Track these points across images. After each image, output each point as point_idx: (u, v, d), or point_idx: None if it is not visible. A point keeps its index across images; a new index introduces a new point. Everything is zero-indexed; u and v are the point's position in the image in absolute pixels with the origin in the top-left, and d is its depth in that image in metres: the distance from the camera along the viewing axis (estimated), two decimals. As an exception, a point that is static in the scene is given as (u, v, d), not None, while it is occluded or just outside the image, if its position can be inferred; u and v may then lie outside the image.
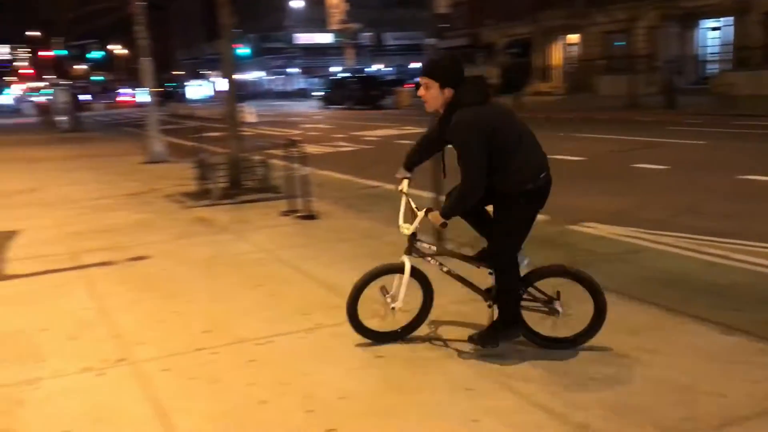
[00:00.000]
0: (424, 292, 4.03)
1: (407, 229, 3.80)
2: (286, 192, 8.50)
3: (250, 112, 17.65)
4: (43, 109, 39.71)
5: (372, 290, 3.92)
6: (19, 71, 77.01)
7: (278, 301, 4.97)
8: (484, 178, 3.50)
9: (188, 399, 3.44)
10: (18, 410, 3.37)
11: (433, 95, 3.64)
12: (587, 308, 3.79)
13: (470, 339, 3.91)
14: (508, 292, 3.76)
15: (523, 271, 3.79)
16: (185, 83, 71.16)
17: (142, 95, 59.24)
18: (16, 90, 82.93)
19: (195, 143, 11.09)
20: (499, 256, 3.73)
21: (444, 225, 3.70)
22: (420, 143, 3.98)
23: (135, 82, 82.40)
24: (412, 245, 3.88)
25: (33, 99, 68.01)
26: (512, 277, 3.74)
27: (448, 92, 3.60)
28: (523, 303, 3.82)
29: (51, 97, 38.57)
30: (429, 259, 3.94)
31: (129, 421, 3.24)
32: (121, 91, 63.95)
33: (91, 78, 73.49)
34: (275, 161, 9.89)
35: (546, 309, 3.83)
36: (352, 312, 3.94)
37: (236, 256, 6.35)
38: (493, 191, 3.62)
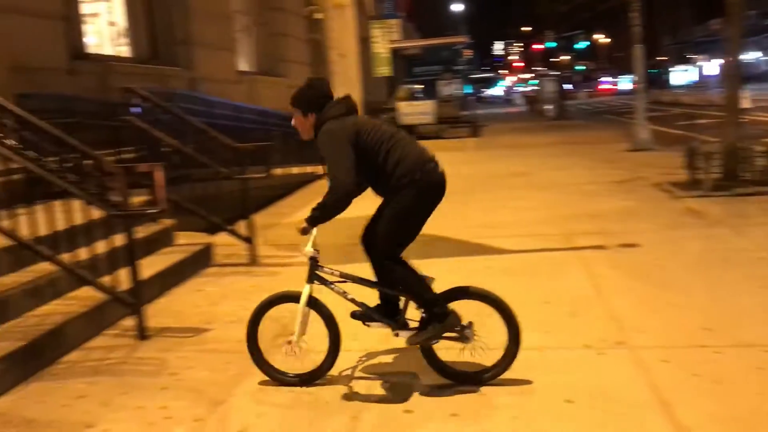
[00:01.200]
0: (328, 329, 3.66)
1: (304, 252, 3.61)
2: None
3: (744, 97, 16.13)
4: (531, 99, 42.97)
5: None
6: (512, 64, 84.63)
7: (789, 307, 4.45)
8: (352, 178, 3.40)
9: (691, 395, 3.32)
10: (529, 373, 3.69)
11: (300, 122, 3.70)
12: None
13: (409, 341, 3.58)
14: (409, 286, 3.58)
15: None
16: (668, 69, 68.61)
17: (624, 83, 59.16)
18: (507, 82, 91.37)
19: (683, 131, 10.59)
20: (378, 248, 3.58)
21: (305, 231, 3.50)
22: None
23: (616, 71, 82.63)
24: (312, 271, 3.63)
25: (521, 90, 73.79)
26: (401, 271, 3.57)
27: (311, 117, 3.63)
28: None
29: (537, 88, 41.49)
30: (333, 286, 3.64)
31: (628, 402, 3.28)
32: (601, 79, 64.89)
33: (574, 68, 76.37)
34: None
35: (456, 335, 3.56)
36: (251, 342, 3.72)
37: (733, 252, 5.88)
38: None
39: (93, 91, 9.05)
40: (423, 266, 6.02)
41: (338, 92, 15.19)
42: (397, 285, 3.63)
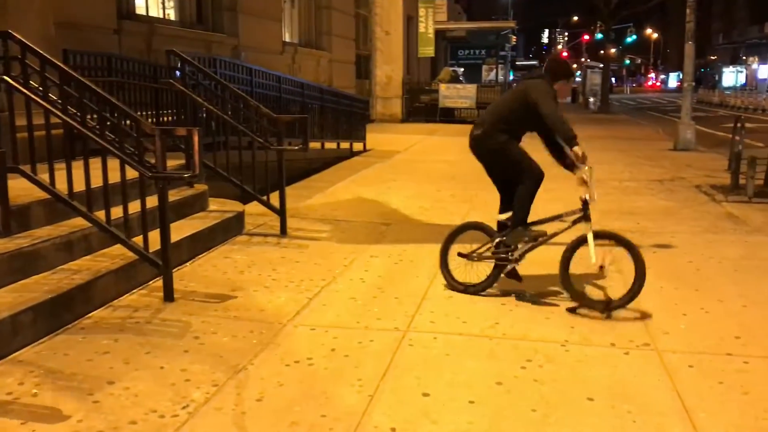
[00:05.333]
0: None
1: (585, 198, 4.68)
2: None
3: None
4: (574, 90, 42.30)
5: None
6: (562, 53, 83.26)
7: (826, 322, 4.32)
8: None
9: (714, 403, 3.24)
10: (549, 365, 3.67)
11: (565, 87, 4.97)
12: None
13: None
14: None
15: None
16: (720, 68, 66.99)
17: (671, 80, 57.61)
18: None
19: (727, 134, 10.34)
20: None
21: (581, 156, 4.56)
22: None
23: (662, 66, 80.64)
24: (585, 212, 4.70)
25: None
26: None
27: None
28: None
29: (580, 80, 40.87)
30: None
31: (649, 405, 3.22)
32: (648, 75, 63.67)
33: (624, 62, 74.93)
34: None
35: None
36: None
37: (772, 261, 5.73)
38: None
39: (137, 52, 9.12)
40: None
41: (381, 70, 15.42)
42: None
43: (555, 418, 3.10)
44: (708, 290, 4.94)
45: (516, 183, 4.75)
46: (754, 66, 59.62)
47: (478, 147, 4.83)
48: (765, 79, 53.07)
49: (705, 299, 4.73)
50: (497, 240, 4.78)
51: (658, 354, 3.80)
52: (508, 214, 4.78)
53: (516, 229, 4.73)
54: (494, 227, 4.93)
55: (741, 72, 63.82)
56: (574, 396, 3.31)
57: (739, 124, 9.99)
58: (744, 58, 64.39)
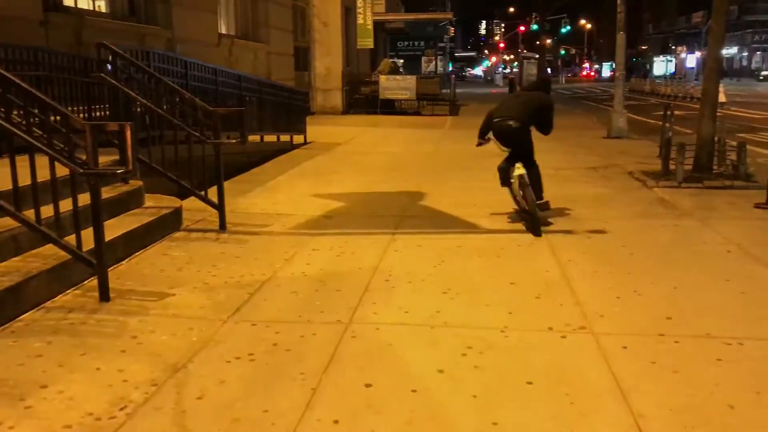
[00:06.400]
0: None
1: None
2: (763, 182, 7.65)
3: (720, 91, 16.29)
4: (511, 81, 43.00)
5: None
6: (498, 45, 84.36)
7: (749, 301, 4.51)
8: None
9: (648, 382, 3.35)
10: (489, 352, 3.73)
11: None
12: None
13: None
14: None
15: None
16: (651, 58, 69.04)
17: (605, 69, 58.80)
18: (490, 62, 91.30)
19: (659, 121, 10.68)
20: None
21: None
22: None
23: (596, 56, 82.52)
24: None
25: (502, 71, 73.93)
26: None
27: None
28: None
29: (517, 70, 41.61)
30: None
31: (586, 386, 3.31)
32: (583, 65, 65.18)
33: (560, 53, 76.44)
34: (753, 147, 8.94)
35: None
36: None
37: (700, 244, 5.96)
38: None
39: (66, 45, 8.84)
40: (394, 241, 6.05)
41: (320, 62, 15.37)
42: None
43: (495, 403, 3.15)
44: (640, 273, 5.10)
45: (523, 156, 6.71)
46: (683, 55, 61.69)
47: (514, 133, 6.66)
48: (693, 68, 54.95)
49: (638, 282, 4.88)
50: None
51: (594, 337, 3.91)
52: (521, 170, 6.63)
53: (541, 203, 6.56)
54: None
55: (671, 61, 65.99)
56: (513, 381, 3.38)
57: (668, 112, 10.30)
58: (673, 47, 66.54)
